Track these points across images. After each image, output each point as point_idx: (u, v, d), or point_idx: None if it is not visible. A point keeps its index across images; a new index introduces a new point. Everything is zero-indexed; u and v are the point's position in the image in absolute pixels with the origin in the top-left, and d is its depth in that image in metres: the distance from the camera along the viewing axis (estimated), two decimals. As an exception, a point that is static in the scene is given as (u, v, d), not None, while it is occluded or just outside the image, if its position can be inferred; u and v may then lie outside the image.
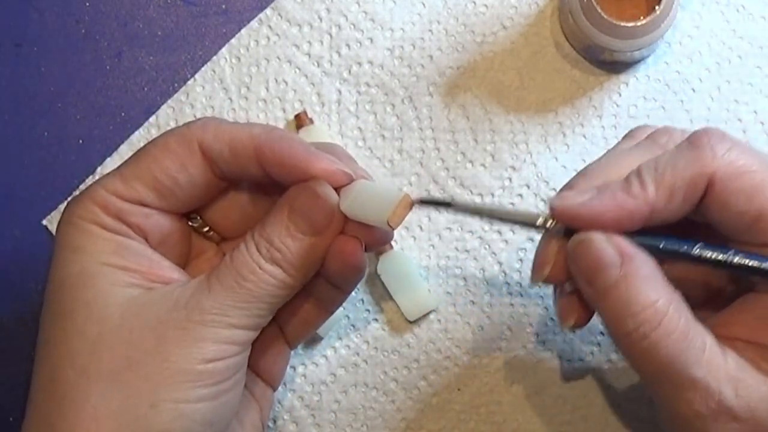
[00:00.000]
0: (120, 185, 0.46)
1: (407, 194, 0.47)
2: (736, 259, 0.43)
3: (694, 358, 0.42)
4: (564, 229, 0.44)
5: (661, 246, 0.44)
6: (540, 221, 0.45)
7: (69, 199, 0.48)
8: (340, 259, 0.47)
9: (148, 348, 0.44)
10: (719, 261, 0.43)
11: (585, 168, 0.46)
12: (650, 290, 0.43)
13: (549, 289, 0.57)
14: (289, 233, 0.47)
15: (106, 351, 0.44)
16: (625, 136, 0.49)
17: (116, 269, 0.45)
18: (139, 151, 0.48)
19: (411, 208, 0.47)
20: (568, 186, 0.46)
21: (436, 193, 0.58)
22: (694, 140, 0.43)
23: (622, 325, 0.43)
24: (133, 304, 0.45)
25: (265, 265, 0.46)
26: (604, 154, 0.47)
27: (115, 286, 0.45)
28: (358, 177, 0.48)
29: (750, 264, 0.43)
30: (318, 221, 0.47)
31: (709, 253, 0.43)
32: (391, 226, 0.47)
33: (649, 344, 0.42)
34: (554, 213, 0.44)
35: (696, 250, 0.43)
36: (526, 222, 0.46)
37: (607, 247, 0.43)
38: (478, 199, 0.57)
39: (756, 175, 0.42)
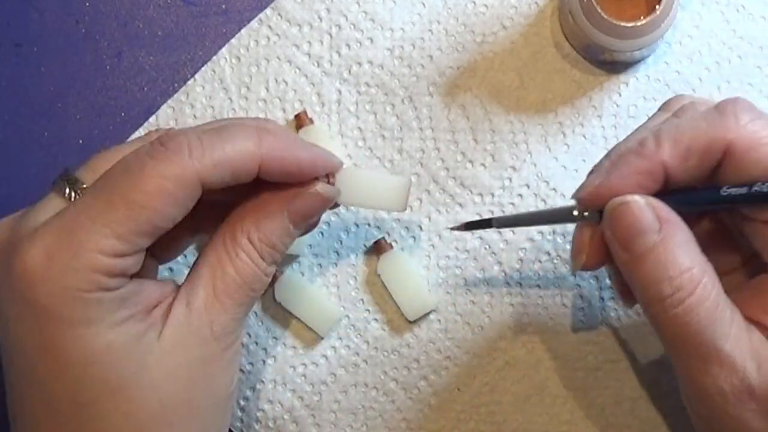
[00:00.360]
0: (119, 245, 0.42)
1: (410, 178, 0.52)
2: (764, 188, 0.42)
3: (722, 331, 0.42)
4: (598, 215, 0.45)
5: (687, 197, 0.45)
6: (576, 213, 0.46)
7: (40, 259, 0.42)
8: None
9: (204, 396, 0.45)
10: (748, 194, 0.43)
11: (613, 147, 0.47)
12: (687, 256, 0.43)
13: (549, 290, 0.57)
14: (289, 233, 0.47)
15: (173, 416, 0.44)
16: (661, 108, 0.48)
17: (129, 323, 0.43)
18: (120, 189, 0.42)
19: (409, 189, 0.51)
20: (594, 169, 0.46)
21: (437, 194, 0.58)
22: (720, 106, 0.43)
23: (658, 289, 0.43)
24: (167, 355, 0.44)
25: (268, 269, 0.47)
26: (636, 129, 0.47)
27: (139, 340, 0.43)
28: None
29: None
30: (318, 218, 0.48)
31: (738, 191, 0.43)
32: (400, 210, 0.51)
33: (682, 311, 0.42)
34: (580, 203, 0.45)
35: (724, 191, 0.43)
36: (563, 218, 0.47)
37: (646, 211, 0.43)
38: (478, 199, 0.57)
39: None
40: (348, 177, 0.50)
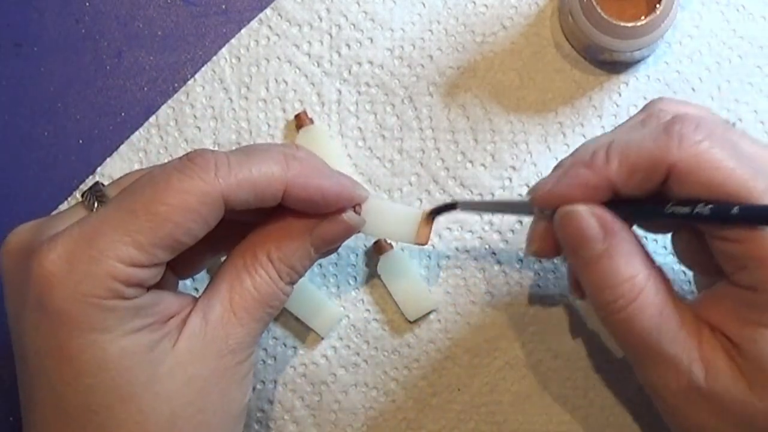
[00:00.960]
0: (139, 255, 0.42)
1: (425, 211, 0.52)
2: (706, 211, 0.42)
3: (668, 335, 0.43)
4: (551, 213, 0.46)
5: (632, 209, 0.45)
6: (530, 199, 0.47)
7: (56, 262, 0.42)
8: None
9: (216, 410, 0.45)
10: (689, 215, 0.43)
11: (579, 146, 0.47)
12: (630, 265, 0.44)
13: (549, 290, 0.57)
14: (310, 256, 0.48)
15: (184, 426, 0.44)
16: (641, 109, 0.49)
17: (144, 332, 0.43)
18: (143, 200, 0.43)
19: (432, 223, 0.52)
20: (557, 166, 0.48)
21: (437, 194, 0.58)
22: (668, 126, 0.43)
23: (601, 296, 0.44)
24: (180, 366, 0.44)
25: (286, 288, 0.48)
26: (613, 129, 0.48)
27: (153, 349, 0.43)
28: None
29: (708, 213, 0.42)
30: (339, 245, 0.49)
31: (681, 210, 0.43)
32: (421, 244, 0.52)
33: (625, 316, 0.44)
34: (532, 202, 0.47)
35: (668, 208, 0.44)
36: (522, 210, 0.49)
37: (591, 221, 0.44)
38: (478, 200, 0.57)
39: (720, 172, 0.42)
40: (367, 207, 0.50)
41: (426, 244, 0.52)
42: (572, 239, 0.45)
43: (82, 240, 0.42)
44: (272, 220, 0.48)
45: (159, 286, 0.45)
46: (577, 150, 0.47)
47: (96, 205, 0.46)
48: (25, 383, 0.45)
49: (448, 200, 0.51)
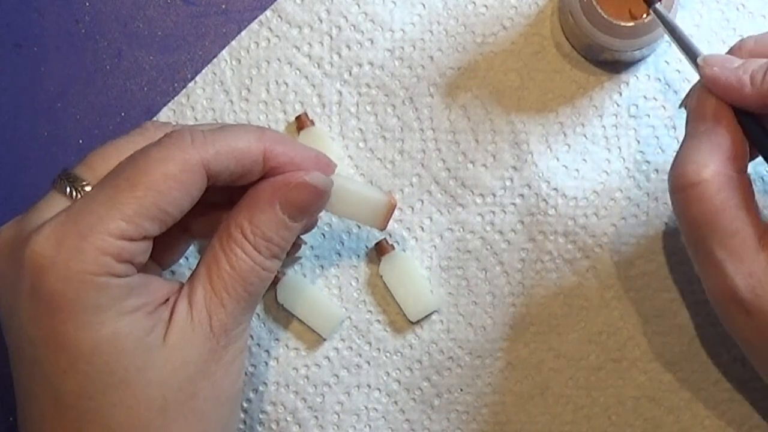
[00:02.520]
0: (127, 227, 0.42)
1: (392, 198, 0.53)
2: None
3: (719, 239, 0.44)
4: None
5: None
6: (699, 60, 0.49)
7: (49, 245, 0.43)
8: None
9: (207, 396, 0.45)
10: None
11: (764, 33, 0.49)
12: (709, 154, 0.46)
13: (551, 290, 0.57)
14: (285, 225, 0.47)
15: (177, 414, 0.44)
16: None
17: (137, 315, 0.43)
18: (126, 175, 0.44)
19: (394, 210, 0.53)
20: (735, 47, 0.50)
21: (438, 195, 0.58)
22: None
23: (674, 167, 0.46)
24: (172, 352, 0.44)
25: (266, 262, 0.47)
26: None
27: (146, 336, 0.44)
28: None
29: None
30: (315, 209, 0.49)
31: None
32: (380, 229, 0.53)
33: (683, 198, 0.45)
34: (699, 68, 0.48)
35: None
36: (689, 55, 0.50)
37: (708, 102, 0.47)
38: (479, 200, 0.57)
39: None
40: (335, 186, 0.51)
41: (384, 229, 0.53)
42: (692, 108, 0.48)
43: (69, 221, 0.42)
44: (243, 198, 0.48)
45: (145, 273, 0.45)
46: (759, 38, 0.49)
47: (71, 191, 0.46)
48: (22, 379, 0.45)
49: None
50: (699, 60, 0.49)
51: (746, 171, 0.47)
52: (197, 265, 0.47)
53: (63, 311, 0.42)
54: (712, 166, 0.45)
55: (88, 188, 0.46)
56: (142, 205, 0.43)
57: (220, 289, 0.46)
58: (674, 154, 0.55)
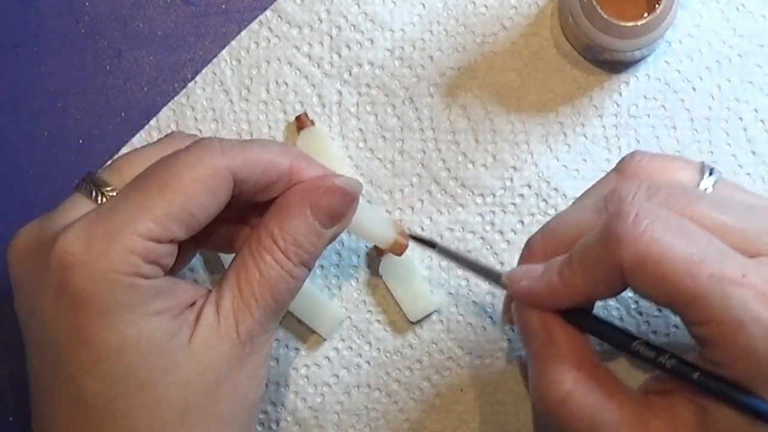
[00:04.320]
0: (155, 228, 0.43)
1: (402, 233, 0.53)
2: (669, 364, 0.43)
3: None
4: None
5: (600, 332, 0.46)
6: (503, 281, 0.48)
7: (76, 242, 0.43)
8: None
9: (230, 402, 0.45)
10: (654, 361, 0.44)
11: (547, 224, 0.48)
12: (560, 369, 0.44)
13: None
14: (316, 231, 0.47)
15: (199, 418, 0.44)
16: (614, 167, 0.49)
17: (162, 317, 0.44)
18: (155, 178, 0.44)
19: (407, 243, 0.54)
20: (526, 251, 0.48)
21: (438, 195, 0.58)
22: (608, 227, 0.42)
23: (534, 393, 0.45)
24: (196, 356, 0.44)
25: (295, 270, 0.47)
26: (571, 205, 0.49)
27: (171, 339, 0.44)
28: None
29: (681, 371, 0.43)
30: (345, 214, 0.49)
31: (647, 352, 0.44)
32: (396, 254, 0.54)
33: (556, 419, 0.44)
34: (506, 287, 0.47)
35: (635, 346, 0.44)
36: (493, 280, 0.49)
37: (535, 320, 0.45)
38: (479, 200, 0.57)
39: (663, 263, 0.40)
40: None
41: (401, 254, 0.54)
42: (519, 329, 0.46)
43: (99, 221, 0.43)
44: (274, 204, 0.48)
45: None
46: (544, 229, 0.48)
47: (96, 195, 0.46)
48: (41, 380, 0.45)
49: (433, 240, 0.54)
50: (503, 279, 0.47)
51: (599, 361, 0.46)
52: (227, 271, 0.48)
53: (89, 310, 0.42)
54: (567, 379, 0.44)
55: (113, 193, 0.46)
56: (171, 207, 0.43)
57: (248, 295, 0.46)
58: (674, 153, 0.56)
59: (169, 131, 0.58)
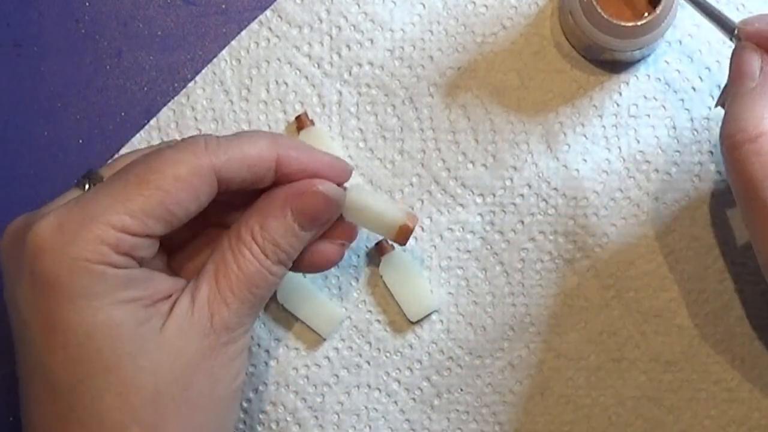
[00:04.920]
0: (130, 222, 0.43)
1: (411, 213, 0.52)
2: None
3: None
4: None
5: None
6: (737, 26, 0.50)
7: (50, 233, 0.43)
8: (325, 260, 0.51)
9: (202, 390, 0.45)
10: None
11: None
12: (764, 107, 0.46)
13: (551, 290, 0.57)
14: (294, 233, 0.48)
15: (169, 405, 0.44)
16: None
17: (133, 305, 0.44)
18: (136, 173, 0.44)
19: (414, 226, 0.52)
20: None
21: (438, 195, 0.57)
22: None
23: (727, 126, 0.46)
24: (168, 343, 0.44)
25: (273, 267, 0.48)
26: None
27: (141, 326, 0.44)
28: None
29: None
30: (325, 220, 0.49)
31: None
32: (400, 243, 0.53)
33: (739, 155, 0.45)
34: (739, 32, 0.49)
35: None
36: (726, 30, 0.50)
37: (754, 57, 0.47)
38: (479, 200, 0.57)
39: None
40: (352, 193, 0.51)
41: (404, 244, 0.53)
42: (734, 70, 0.48)
43: (74, 209, 0.43)
44: (256, 202, 0.48)
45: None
46: None
47: (87, 185, 0.47)
48: (21, 362, 0.46)
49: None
50: (739, 23, 0.49)
51: None
52: (205, 263, 0.48)
53: (58, 294, 0.42)
54: None
55: None
56: (148, 203, 0.43)
57: (225, 288, 0.46)
58: (674, 154, 0.56)
59: (169, 131, 0.58)
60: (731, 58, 0.49)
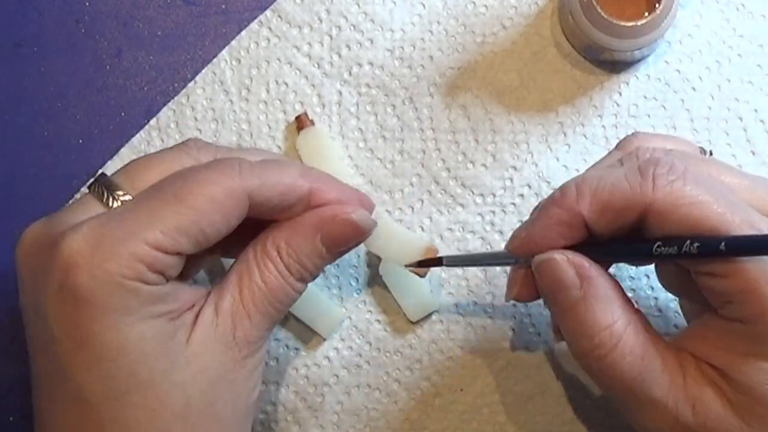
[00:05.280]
0: (164, 240, 0.43)
1: (432, 246, 0.53)
2: (694, 248, 0.42)
3: (651, 378, 0.43)
4: (531, 258, 0.46)
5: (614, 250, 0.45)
6: (515, 258, 0.48)
7: (81, 244, 0.43)
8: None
9: (226, 404, 0.46)
10: (678, 254, 0.43)
11: (565, 184, 0.47)
12: (607, 312, 0.44)
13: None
14: (320, 255, 0.48)
15: (197, 419, 0.45)
16: (616, 146, 0.49)
17: (161, 320, 0.44)
18: (171, 190, 0.44)
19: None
20: (533, 211, 0.48)
21: (438, 195, 0.57)
22: (643, 166, 0.43)
23: (581, 345, 0.44)
24: (194, 356, 0.45)
25: (296, 284, 0.48)
26: (585, 170, 0.48)
27: (170, 340, 0.44)
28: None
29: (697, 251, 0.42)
30: (351, 246, 0.50)
31: (669, 250, 0.43)
32: (419, 275, 0.54)
33: (606, 365, 0.44)
34: (510, 251, 0.47)
35: (656, 249, 0.43)
36: (506, 261, 0.49)
37: (567, 268, 0.44)
38: (479, 200, 0.57)
39: (695, 208, 0.42)
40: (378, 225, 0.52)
41: (423, 276, 0.54)
42: (549, 287, 0.45)
43: (109, 224, 0.43)
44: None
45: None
46: (552, 193, 0.47)
47: (108, 197, 0.46)
48: (42, 378, 0.45)
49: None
50: (508, 245, 0.47)
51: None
52: (228, 273, 0.48)
53: (91, 309, 0.42)
54: (620, 320, 0.44)
55: (124, 198, 0.46)
56: (183, 221, 0.43)
57: (249, 301, 0.47)
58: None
59: (169, 131, 0.58)
60: (538, 276, 0.46)
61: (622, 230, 0.44)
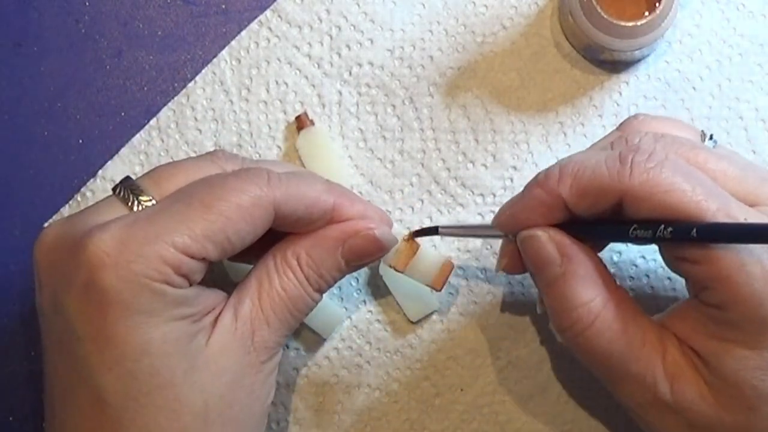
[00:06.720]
0: (192, 244, 0.43)
1: (449, 260, 0.54)
2: (668, 233, 0.43)
3: (630, 354, 0.45)
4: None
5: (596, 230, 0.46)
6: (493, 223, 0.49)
7: (110, 244, 0.43)
8: None
9: (243, 407, 0.46)
10: (652, 238, 0.44)
11: (554, 165, 0.48)
12: (586, 289, 0.45)
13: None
14: (339, 267, 0.49)
15: (216, 422, 0.45)
16: (617, 127, 0.51)
17: (183, 322, 0.44)
18: (200, 196, 0.45)
19: (451, 272, 0.54)
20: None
21: (438, 195, 0.57)
22: (623, 154, 0.44)
23: (560, 320, 0.46)
24: (213, 358, 0.45)
25: (314, 294, 0.49)
26: (574, 154, 0.49)
27: (191, 342, 0.44)
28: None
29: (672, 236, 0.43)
30: (370, 261, 0.50)
31: (644, 233, 0.44)
32: (436, 289, 0.54)
33: (583, 340, 0.45)
34: (495, 227, 0.49)
35: (632, 231, 0.44)
36: (497, 234, 0.49)
37: (548, 245, 0.46)
38: (479, 200, 0.57)
39: (671, 195, 0.42)
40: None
41: (440, 289, 0.54)
42: (532, 262, 0.47)
43: (136, 225, 0.43)
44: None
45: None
46: (537, 173, 0.48)
47: (133, 200, 0.47)
48: (60, 376, 0.45)
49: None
50: (494, 220, 0.49)
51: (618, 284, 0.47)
52: (247, 278, 0.48)
53: (115, 309, 0.42)
54: (598, 298, 0.45)
55: (148, 202, 0.46)
56: (211, 227, 0.44)
57: (268, 307, 0.47)
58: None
59: (169, 131, 0.58)
60: (522, 252, 0.47)
61: (604, 213, 0.45)
